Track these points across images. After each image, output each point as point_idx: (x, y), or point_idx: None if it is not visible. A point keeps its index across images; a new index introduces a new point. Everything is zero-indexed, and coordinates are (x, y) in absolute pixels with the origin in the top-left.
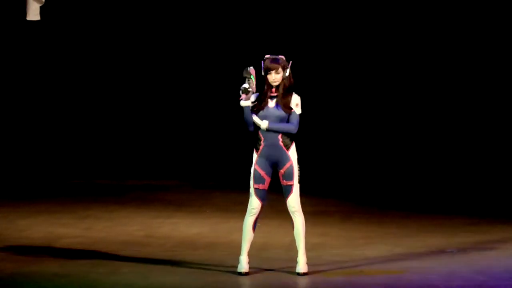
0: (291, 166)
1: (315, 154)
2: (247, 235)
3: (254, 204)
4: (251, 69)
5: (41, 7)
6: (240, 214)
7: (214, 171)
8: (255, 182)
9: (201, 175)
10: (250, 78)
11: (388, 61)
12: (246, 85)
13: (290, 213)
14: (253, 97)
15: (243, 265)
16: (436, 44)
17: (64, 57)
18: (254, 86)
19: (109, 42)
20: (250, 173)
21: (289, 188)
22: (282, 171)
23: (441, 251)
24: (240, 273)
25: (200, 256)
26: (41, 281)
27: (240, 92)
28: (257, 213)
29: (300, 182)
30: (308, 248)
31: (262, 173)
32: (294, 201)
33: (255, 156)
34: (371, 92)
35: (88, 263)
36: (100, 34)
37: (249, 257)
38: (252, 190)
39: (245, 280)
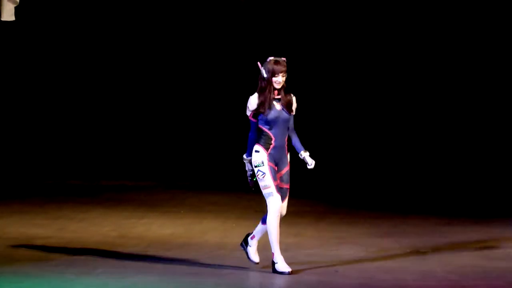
0: (288, 170)
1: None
2: (277, 234)
3: (279, 201)
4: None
5: (16, 7)
6: (213, 214)
7: (189, 172)
8: (274, 179)
9: (176, 176)
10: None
11: (370, 61)
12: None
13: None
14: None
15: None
16: (431, 45)
17: (40, 59)
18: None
19: (86, 46)
20: (259, 172)
21: (286, 191)
22: (281, 173)
23: (414, 251)
24: (287, 273)
25: (173, 257)
26: (14, 281)
27: (250, 177)
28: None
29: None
30: (282, 248)
31: (275, 169)
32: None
33: (263, 154)
34: (346, 94)
35: (62, 264)
36: (81, 38)
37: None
38: (272, 189)
39: (221, 280)
